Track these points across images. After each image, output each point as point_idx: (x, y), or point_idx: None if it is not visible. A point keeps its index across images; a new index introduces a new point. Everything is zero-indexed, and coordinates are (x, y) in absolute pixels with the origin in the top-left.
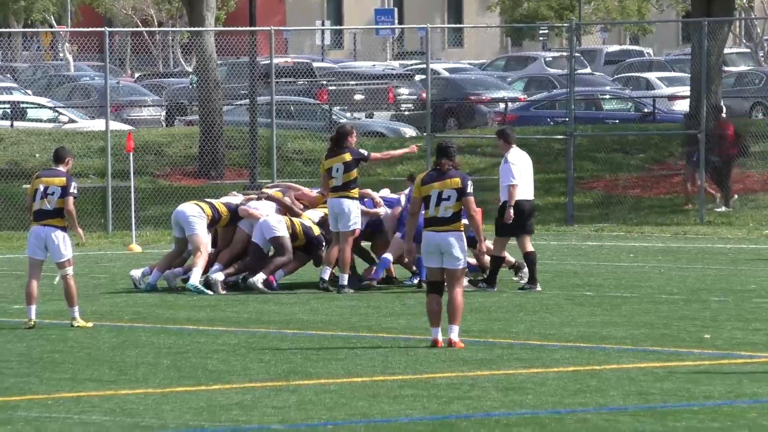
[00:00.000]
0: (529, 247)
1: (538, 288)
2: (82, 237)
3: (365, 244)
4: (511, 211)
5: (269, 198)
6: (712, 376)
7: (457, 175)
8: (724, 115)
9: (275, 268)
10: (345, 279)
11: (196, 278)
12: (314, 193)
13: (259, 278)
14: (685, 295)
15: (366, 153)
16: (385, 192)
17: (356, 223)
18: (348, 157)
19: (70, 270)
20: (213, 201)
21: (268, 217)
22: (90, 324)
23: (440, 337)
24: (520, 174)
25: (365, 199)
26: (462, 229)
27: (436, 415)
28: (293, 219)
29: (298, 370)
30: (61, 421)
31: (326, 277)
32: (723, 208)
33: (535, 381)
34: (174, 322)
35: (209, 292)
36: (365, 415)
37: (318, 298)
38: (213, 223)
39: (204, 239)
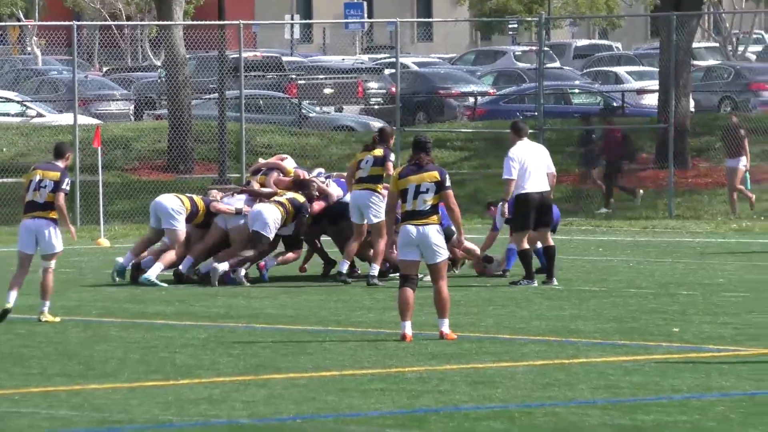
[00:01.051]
0: (548, 241)
1: (555, 282)
2: (73, 234)
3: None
4: (505, 206)
5: (243, 191)
6: (681, 369)
7: (435, 168)
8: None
9: (243, 261)
10: (375, 270)
11: (155, 272)
12: (296, 172)
13: (222, 267)
14: (654, 289)
15: (393, 159)
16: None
17: (380, 214)
18: (379, 152)
19: (53, 264)
20: (193, 195)
21: (264, 210)
22: (57, 319)
23: (409, 332)
24: (523, 168)
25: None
26: (440, 222)
27: (405, 409)
28: (281, 201)
29: (266, 364)
30: (30, 416)
31: (344, 269)
32: (603, 210)
33: (504, 375)
34: (142, 317)
35: (163, 284)
36: (334, 410)
37: (287, 292)
38: (191, 218)
39: (180, 235)
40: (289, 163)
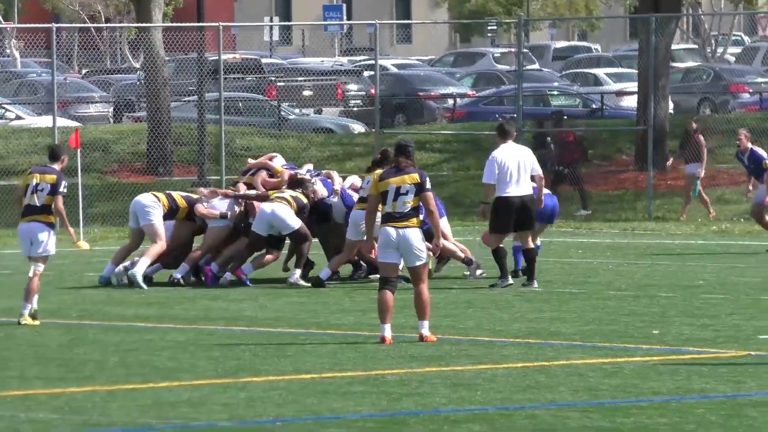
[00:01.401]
0: (528, 244)
1: (535, 285)
2: (73, 236)
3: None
4: (484, 207)
5: (226, 195)
6: (661, 372)
7: (415, 171)
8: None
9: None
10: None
11: (141, 269)
12: (285, 173)
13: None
14: (634, 291)
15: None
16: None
17: None
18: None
19: (41, 267)
20: (172, 192)
21: (278, 209)
22: (37, 322)
23: (389, 334)
24: (504, 171)
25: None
26: (419, 224)
27: (386, 411)
28: (287, 198)
29: (246, 367)
30: (8, 420)
31: (324, 277)
32: (582, 212)
33: (484, 377)
34: (122, 320)
35: (144, 286)
36: (314, 412)
37: (267, 294)
38: (170, 214)
39: (159, 229)
40: (279, 162)
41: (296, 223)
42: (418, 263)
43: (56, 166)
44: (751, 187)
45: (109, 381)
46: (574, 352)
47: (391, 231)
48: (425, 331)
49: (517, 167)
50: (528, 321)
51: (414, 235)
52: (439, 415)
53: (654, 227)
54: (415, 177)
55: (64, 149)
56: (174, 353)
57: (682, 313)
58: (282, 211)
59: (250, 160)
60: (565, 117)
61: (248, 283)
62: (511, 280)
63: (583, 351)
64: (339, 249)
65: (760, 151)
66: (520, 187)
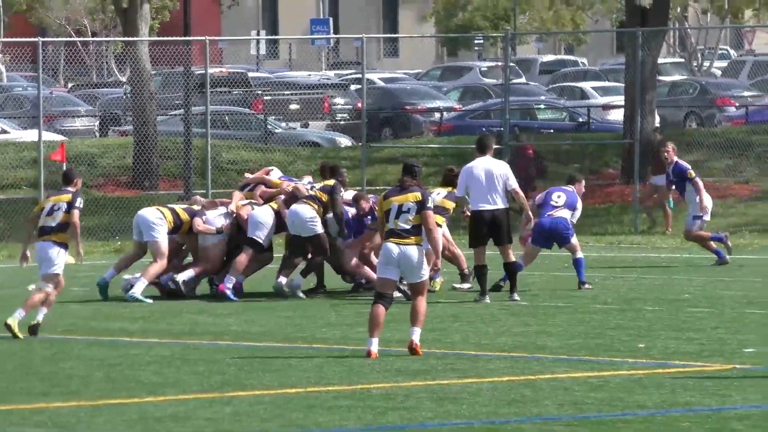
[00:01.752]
0: (509, 258)
1: (517, 297)
2: (81, 252)
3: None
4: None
5: (214, 204)
6: (646, 385)
7: (418, 189)
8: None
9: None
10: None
11: (139, 289)
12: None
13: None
14: (620, 305)
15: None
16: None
17: None
18: None
19: (50, 287)
20: (175, 207)
21: (300, 210)
22: (21, 335)
23: (375, 349)
24: (475, 185)
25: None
26: (421, 242)
27: (371, 425)
28: (313, 196)
29: (232, 381)
30: None
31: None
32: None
33: (469, 391)
34: (107, 334)
35: (149, 300)
36: (300, 426)
37: (252, 309)
38: (175, 230)
39: (162, 247)
40: (276, 174)
41: (319, 228)
42: (418, 280)
43: (71, 188)
44: (672, 197)
45: (94, 396)
46: (560, 366)
47: (393, 248)
48: (416, 337)
49: (487, 181)
50: (514, 335)
51: (415, 252)
52: (425, 429)
53: (640, 241)
54: (418, 195)
55: (77, 173)
56: (159, 368)
57: (667, 326)
58: (303, 211)
59: (248, 175)
60: (520, 133)
61: (234, 298)
62: (488, 299)
63: (568, 365)
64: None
65: (684, 164)
66: (490, 201)
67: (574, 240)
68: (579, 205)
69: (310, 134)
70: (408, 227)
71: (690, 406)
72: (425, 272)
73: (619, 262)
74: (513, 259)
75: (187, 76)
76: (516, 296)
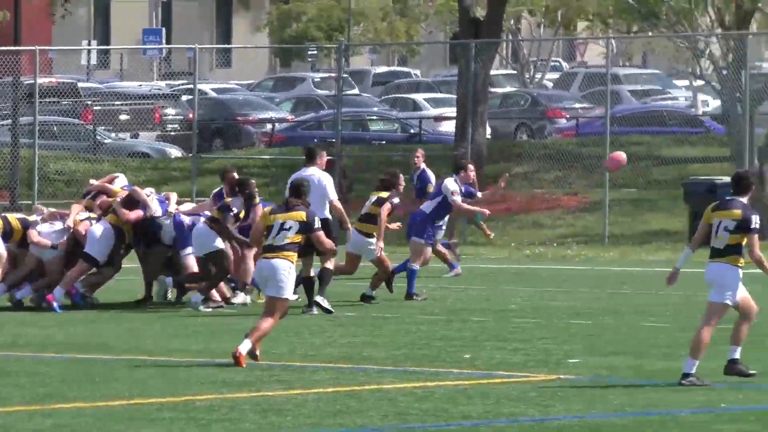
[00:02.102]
0: (308, 272)
1: (315, 311)
2: None
3: None
4: None
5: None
6: (471, 396)
7: (304, 210)
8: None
9: (210, 285)
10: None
11: None
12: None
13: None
14: (446, 315)
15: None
16: None
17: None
18: (385, 194)
19: None
20: (7, 215)
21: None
22: None
23: (243, 351)
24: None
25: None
26: (294, 260)
27: None
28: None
29: (54, 393)
30: None
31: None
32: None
33: (294, 402)
34: None
35: None
36: None
37: (77, 320)
38: (4, 237)
39: None
40: (121, 182)
41: (220, 243)
42: (277, 295)
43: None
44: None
45: None
46: (385, 377)
47: (264, 262)
48: (243, 347)
49: (313, 191)
50: (340, 346)
51: (283, 266)
52: None
53: (468, 251)
54: (302, 215)
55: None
56: None
57: (493, 337)
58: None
59: (93, 181)
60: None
61: (58, 310)
62: (315, 311)
63: (394, 375)
64: (157, 272)
65: (431, 174)
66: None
67: (416, 240)
68: (452, 195)
69: (140, 145)
70: (283, 243)
71: (514, 417)
72: (286, 292)
73: (446, 273)
74: (312, 274)
75: (16, 86)
76: (314, 310)
